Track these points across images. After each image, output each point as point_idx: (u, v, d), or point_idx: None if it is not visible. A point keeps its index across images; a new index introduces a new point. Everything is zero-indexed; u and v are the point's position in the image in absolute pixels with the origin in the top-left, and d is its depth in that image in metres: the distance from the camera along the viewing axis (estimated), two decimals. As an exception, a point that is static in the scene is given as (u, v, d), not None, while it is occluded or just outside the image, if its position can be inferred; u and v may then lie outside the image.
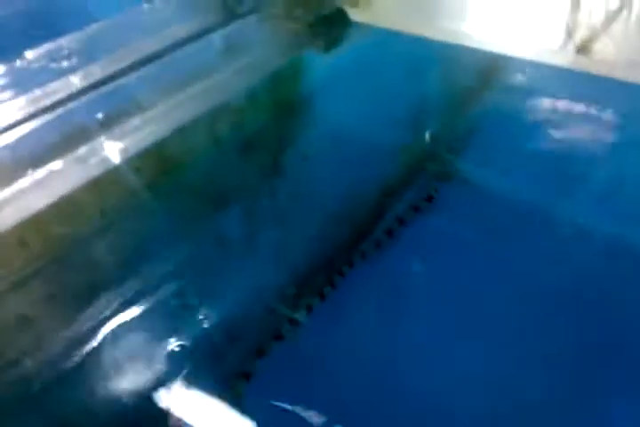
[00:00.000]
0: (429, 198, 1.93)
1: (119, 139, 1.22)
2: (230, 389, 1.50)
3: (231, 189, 1.49)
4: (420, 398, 1.44)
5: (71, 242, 1.19)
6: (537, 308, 1.57)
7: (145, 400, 1.42)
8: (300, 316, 1.67)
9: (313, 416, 1.45)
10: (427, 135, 2.04)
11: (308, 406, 1.46)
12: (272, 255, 1.64)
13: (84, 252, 1.25)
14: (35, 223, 1.09)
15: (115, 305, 1.39)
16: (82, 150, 1.16)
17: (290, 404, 1.47)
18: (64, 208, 1.10)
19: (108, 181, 1.17)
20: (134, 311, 1.42)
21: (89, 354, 1.38)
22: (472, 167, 2.03)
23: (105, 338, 1.41)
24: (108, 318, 1.40)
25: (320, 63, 1.67)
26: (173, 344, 1.47)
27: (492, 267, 1.71)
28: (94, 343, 1.39)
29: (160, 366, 1.46)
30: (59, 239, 1.15)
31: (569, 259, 1.67)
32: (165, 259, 1.42)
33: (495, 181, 2.01)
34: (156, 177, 1.29)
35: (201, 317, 1.52)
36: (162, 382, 1.44)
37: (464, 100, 2.09)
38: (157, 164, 1.28)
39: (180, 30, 1.41)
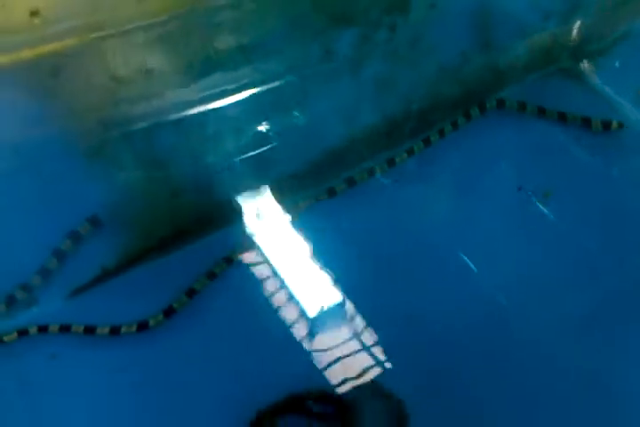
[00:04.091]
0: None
1: None
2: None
3: (355, 11, 1.62)
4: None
5: (202, 6, 1.41)
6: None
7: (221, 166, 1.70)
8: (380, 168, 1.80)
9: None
10: (574, 28, 2.00)
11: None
12: (371, 87, 1.79)
13: (211, 22, 1.47)
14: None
15: (223, 86, 1.63)
16: None
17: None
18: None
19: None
20: (237, 95, 1.65)
21: (191, 115, 1.65)
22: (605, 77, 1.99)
23: (207, 109, 1.66)
24: (213, 96, 1.64)
25: None
26: (262, 127, 1.71)
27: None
28: (197, 109, 1.65)
29: (242, 145, 1.71)
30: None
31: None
32: (278, 55, 1.61)
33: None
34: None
35: (290, 119, 1.73)
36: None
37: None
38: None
39: None
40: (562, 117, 1.86)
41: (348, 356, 1.48)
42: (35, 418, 1.41)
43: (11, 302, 1.54)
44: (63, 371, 1.47)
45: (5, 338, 1.48)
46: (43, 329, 1.51)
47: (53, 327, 1.51)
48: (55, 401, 1.43)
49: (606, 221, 1.72)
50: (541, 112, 1.87)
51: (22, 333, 1.50)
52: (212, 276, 1.61)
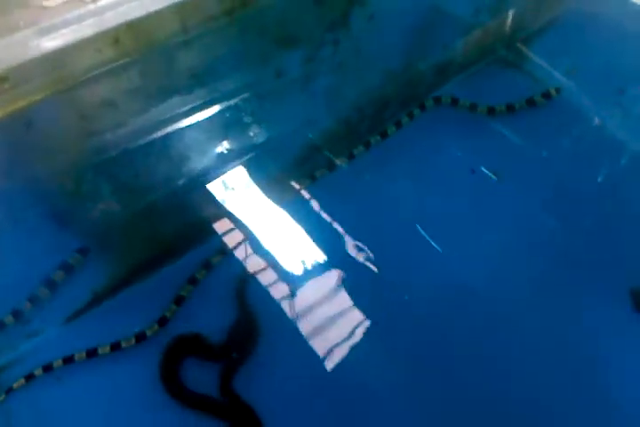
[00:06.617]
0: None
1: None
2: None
3: (299, 33, 1.73)
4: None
5: (155, 48, 1.51)
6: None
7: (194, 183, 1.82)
8: (341, 161, 1.95)
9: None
10: (505, 19, 2.13)
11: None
12: (323, 99, 1.91)
13: (165, 58, 1.57)
14: (128, 27, 1.41)
15: (182, 108, 1.73)
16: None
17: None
18: (152, 19, 1.40)
19: (191, 3, 1.44)
20: (197, 115, 1.76)
21: (157, 139, 1.76)
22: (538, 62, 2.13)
23: (171, 130, 1.77)
24: (175, 117, 1.75)
25: None
26: (224, 147, 1.83)
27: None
28: (162, 132, 1.76)
29: (210, 161, 1.84)
30: (145, 43, 1.47)
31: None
32: (230, 79, 1.72)
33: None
34: (235, 7, 1.55)
35: (251, 134, 1.85)
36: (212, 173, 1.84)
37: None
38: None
39: None
40: (510, 109, 2.00)
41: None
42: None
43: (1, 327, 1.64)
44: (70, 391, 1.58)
45: (14, 385, 1.56)
46: (48, 368, 1.59)
47: (57, 363, 1.60)
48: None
49: (550, 193, 1.90)
50: (491, 111, 2.01)
51: (29, 377, 1.58)
52: (194, 282, 1.73)
